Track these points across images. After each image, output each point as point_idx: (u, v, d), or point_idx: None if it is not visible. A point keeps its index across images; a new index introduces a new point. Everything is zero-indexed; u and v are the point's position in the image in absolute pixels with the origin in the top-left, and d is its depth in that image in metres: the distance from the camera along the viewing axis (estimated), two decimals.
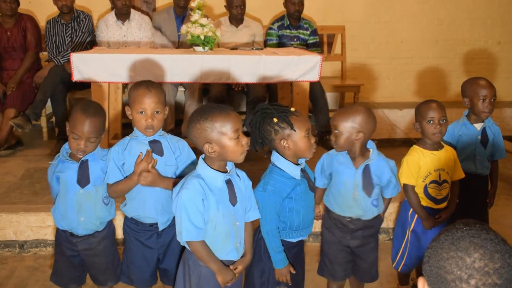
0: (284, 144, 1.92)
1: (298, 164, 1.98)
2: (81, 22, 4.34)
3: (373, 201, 2.12)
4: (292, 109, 1.95)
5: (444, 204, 2.36)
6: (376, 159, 2.09)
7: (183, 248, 1.90)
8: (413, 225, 2.37)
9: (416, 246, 2.38)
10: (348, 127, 2.05)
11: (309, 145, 1.94)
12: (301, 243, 2.12)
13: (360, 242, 2.19)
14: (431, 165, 2.29)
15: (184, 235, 1.74)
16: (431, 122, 2.24)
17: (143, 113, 2.01)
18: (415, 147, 2.35)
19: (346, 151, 2.12)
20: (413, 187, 2.31)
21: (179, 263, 1.96)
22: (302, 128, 1.92)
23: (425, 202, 2.34)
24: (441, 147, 2.33)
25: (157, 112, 2.02)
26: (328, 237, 2.26)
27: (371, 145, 2.13)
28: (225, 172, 1.81)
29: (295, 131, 1.90)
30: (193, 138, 1.79)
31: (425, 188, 2.31)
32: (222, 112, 1.75)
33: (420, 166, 2.29)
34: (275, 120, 1.91)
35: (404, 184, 2.30)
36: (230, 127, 1.73)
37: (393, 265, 2.48)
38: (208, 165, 1.78)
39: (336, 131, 2.08)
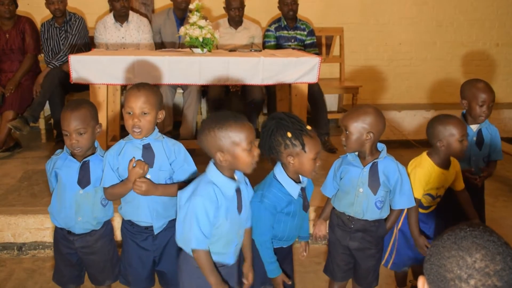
0: (290, 160, 1.92)
1: (299, 182, 1.98)
2: (73, 25, 4.32)
3: (377, 202, 2.10)
4: (308, 127, 1.93)
5: (431, 208, 2.35)
6: (385, 158, 2.10)
7: (178, 251, 1.91)
8: (400, 224, 2.36)
9: (404, 245, 2.37)
10: (359, 127, 2.04)
11: (313, 168, 1.93)
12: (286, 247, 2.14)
13: (359, 244, 2.17)
14: (437, 183, 2.26)
15: (193, 243, 1.73)
16: (462, 139, 2.21)
17: (131, 113, 1.99)
18: (426, 159, 2.27)
19: (356, 152, 2.13)
20: (419, 200, 2.26)
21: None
22: (313, 150, 1.91)
23: None
24: (450, 163, 2.30)
25: (145, 113, 1.98)
26: (330, 237, 2.27)
27: (381, 147, 2.13)
28: (234, 179, 1.80)
29: (305, 152, 1.89)
30: (205, 145, 1.76)
31: None
32: (237, 122, 1.73)
33: (430, 182, 2.24)
34: (289, 135, 1.89)
35: None
36: (245, 138, 1.72)
37: (382, 262, 2.45)
38: (219, 171, 1.77)
39: (347, 132, 2.07)
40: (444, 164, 2.27)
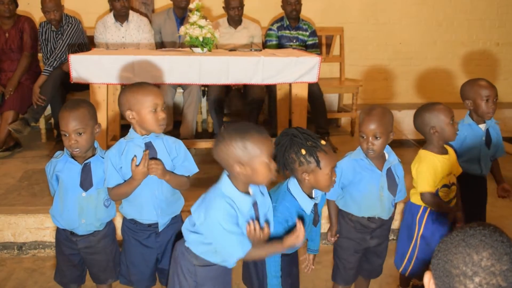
0: (305, 176, 1.88)
1: (312, 198, 1.95)
2: (66, 29, 4.25)
3: (393, 201, 2.19)
4: (323, 142, 1.89)
5: (453, 202, 2.33)
6: (396, 161, 2.16)
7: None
8: (422, 230, 2.32)
9: (425, 251, 2.33)
10: (388, 130, 2.06)
11: (329, 183, 1.90)
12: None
13: (378, 240, 2.23)
14: (445, 170, 2.25)
15: (240, 252, 1.68)
16: (452, 122, 2.23)
17: (156, 109, 2.00)
18: (426, 152, 2.27)
19: (365, 156, 2.12)
20: (434, 194, 2.24)
21: (170, 263, 1.95)
22: (328, 166, 1.86)
23: None
24: (446, 150, 2.30)
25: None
26: (344, 244, 2.25)
27: (387, 148, 2.16)
28: (248, 194, 1.74)
29: (320, 168, 1.85)
30: (222, 156, 1.66)
31: (436, 192, 2.26)
32: (261, 135, 1.66)
33: (438, 171, 2.23)
34: (303, 152, 1.85)
35: (424, 193, 2.23)
36: (266, 151, 1.65)
37: (400, 269, 2.43)
38: (234, 185, 1.70)
39: (377, 138, 2.04)
40: (442, 151, 2.29)
